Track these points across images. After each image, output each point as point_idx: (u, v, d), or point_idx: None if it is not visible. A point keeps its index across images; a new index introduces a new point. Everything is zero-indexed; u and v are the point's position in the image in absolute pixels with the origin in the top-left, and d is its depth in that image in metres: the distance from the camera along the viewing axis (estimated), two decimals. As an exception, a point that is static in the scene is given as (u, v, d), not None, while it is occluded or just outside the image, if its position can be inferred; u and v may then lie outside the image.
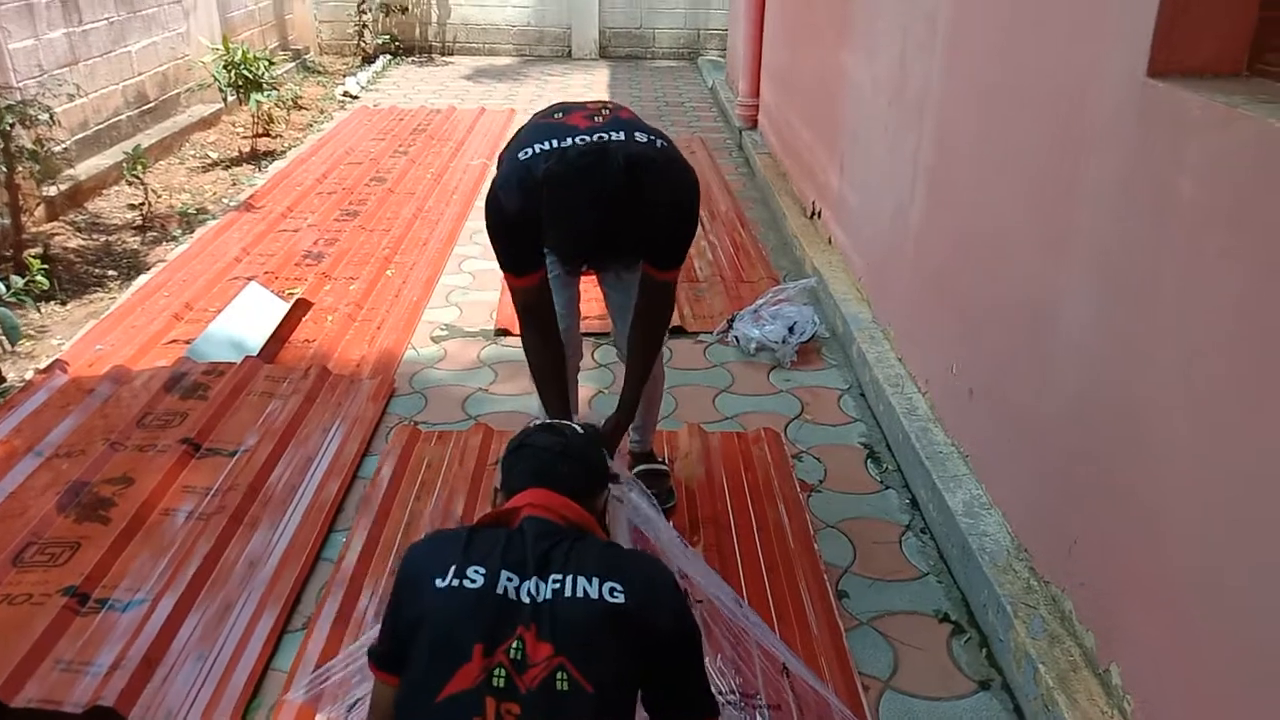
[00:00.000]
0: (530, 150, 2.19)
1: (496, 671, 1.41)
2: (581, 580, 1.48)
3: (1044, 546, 2.37)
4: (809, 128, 5.34)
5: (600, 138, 2.17)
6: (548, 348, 2.41)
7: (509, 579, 1.48)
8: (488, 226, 2.29)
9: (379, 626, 2.25)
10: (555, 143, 2.17)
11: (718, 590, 2.25)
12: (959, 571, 2.60)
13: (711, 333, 4.12)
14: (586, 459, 1.77)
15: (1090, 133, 2.14)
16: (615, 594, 1.48)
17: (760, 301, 4.10)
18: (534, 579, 1.48)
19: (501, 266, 2.32)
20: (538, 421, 1.88)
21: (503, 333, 4.13)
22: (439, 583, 1.47)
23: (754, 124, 7.14)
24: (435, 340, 4.08)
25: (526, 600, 1.46)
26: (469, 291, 4.60)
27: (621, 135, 2.20)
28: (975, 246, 2.84)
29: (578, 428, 1.85)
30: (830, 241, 4.72)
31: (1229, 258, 1.68)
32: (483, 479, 3.02)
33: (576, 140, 2.15)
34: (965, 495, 2.71)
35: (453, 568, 1.49)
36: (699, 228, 5.46)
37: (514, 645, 1.43)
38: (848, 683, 2.26)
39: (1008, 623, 2.28)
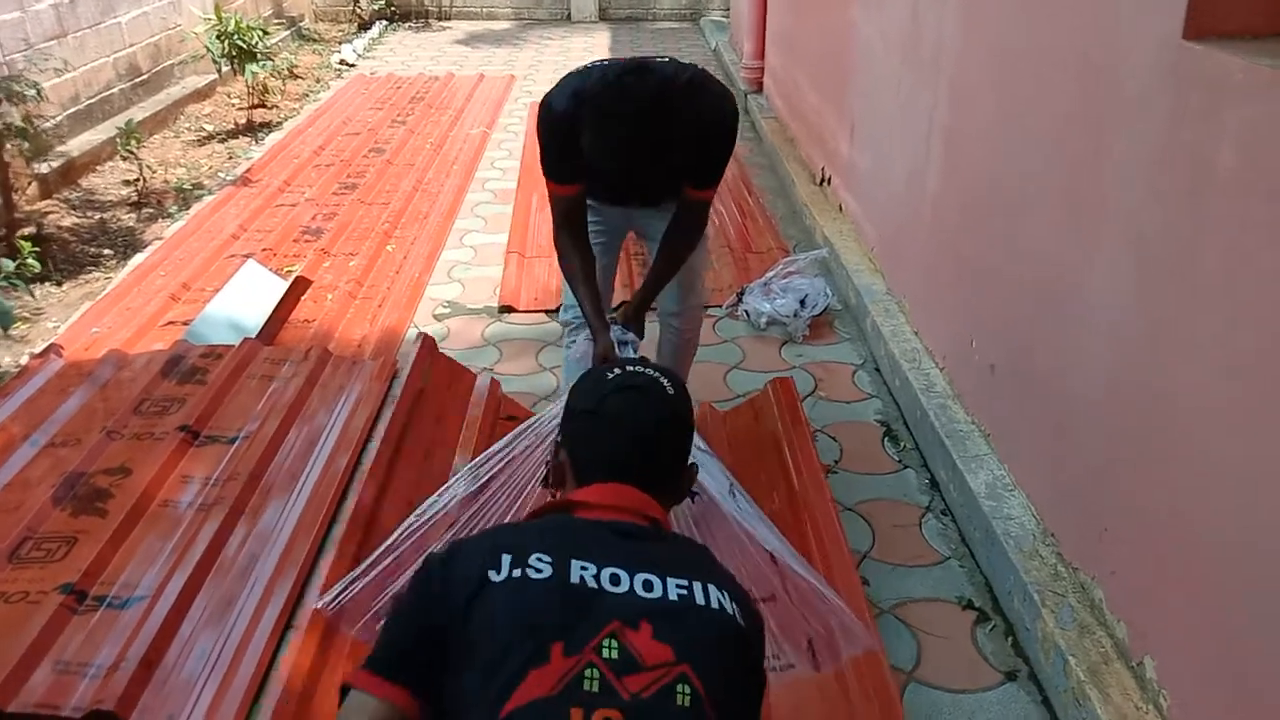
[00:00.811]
0: (587, 66, 2.35)
1: (588, 673, 1.13)
2: (714, 590, 1.24)
3: (1072, 532, 2.29)
4: (817, 91, 5.20)
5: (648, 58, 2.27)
6: (579, 250, 2.51)
7: (583, 567, 1.21)
8: (537, 130, 2.41)
9: (400, 536, 2.14)
10: (609, 60, 2.31)
11: (715, 485, 2.12)
12: (982, 556, 2.53)
13: (721, 307, 4.02)
14: (676, 440, 1.47)
15: (1121, 97, 2.03)
16: (739, 615, 1.25)
17: (770, 274, 4.00)
18: (642, 574, 1.23)
19: (545, 173, 2.45)
20: (615, 371, 1.50)
21: (506, 309, 4.04)
22: (494, 576, 1.19)
23: (759, 87, 6.99)
24: (438, 318, 3.99)
25: (620, 590, 1.20)
26: (471, 267, 4.50)
27: (665, 59, 2.32)
28: (996, 216, 2.74)
29: (665, 383, 1.48)
30: (841, 209, 4.60)
31: (1274, 231, 1.58)
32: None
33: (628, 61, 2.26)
34: (987, 476, 2.63)
35: (507, 558, 1.21)
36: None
37: (606, 642, 1.15)
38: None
39: (1035, 611, 2.20)
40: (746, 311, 3.89)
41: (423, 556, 1.30)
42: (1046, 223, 2.39)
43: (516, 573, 1.19)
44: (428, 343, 3.40)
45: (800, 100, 5.64)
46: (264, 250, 4.56)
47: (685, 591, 1.23)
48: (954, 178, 3.09)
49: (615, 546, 1.26)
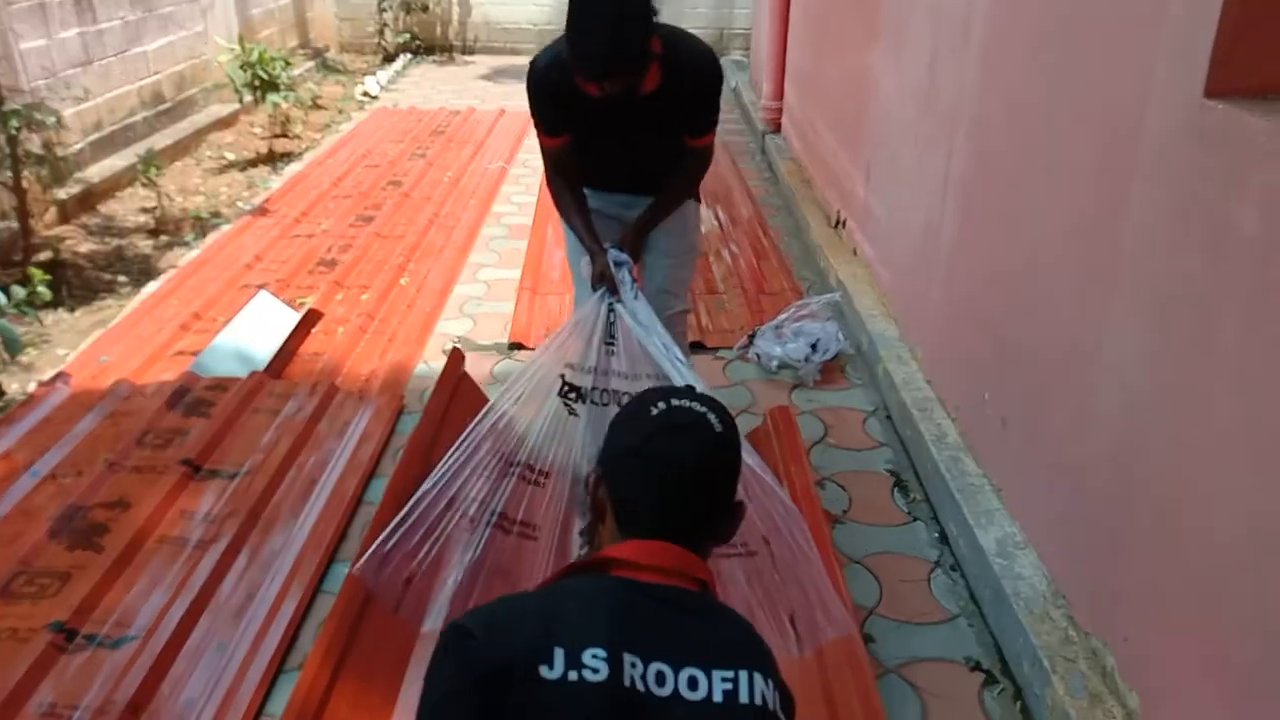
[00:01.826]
0: None
1: None
2: (759, 680, 1.17)
3: (1084, 594, 2.22)
4: (834, 134, 5.19)
5: None
6: (569, 187, 2.68)
7: (633, 664, 1.13)
8: (526, 88, 2.56)
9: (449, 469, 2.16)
10: None
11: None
12: (991, 615, 2.46)
13: (732, 348, 3.98)
14: (724, 484, 1.34)
15: (1140, 155, 1.99)
16: (779, 707, 1.18)
17: (782, 316, 3.96)
18: (688, 669, 1.15)
19: (535, 126, 2.61)
20: (660, 405, 1.36)
21: (516, 346, 4.01)
22: (546, 672, 1.10)
23: (777, 128, 6.98)
24: (447, 354, 3.96)
25: (665, 693, 1.13)
26: (483, 302, 4.48)
27: None
28: (1012, 267, 2.69)
29: (713, 419, 1.34)
30: (855, 253, 4.57)
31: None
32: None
33: None
34: (998, 533, 2.56)
35: (560, 652, 1.11)
36: (721, 230, 5.35)
37: None
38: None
39: (1044, 677, 2.13)
40: (758, 354, 3.85)
41: (445, 628, 1.19)
42: (1061, 278, 2.35)
43: (572, 675, 1.10)
44: (455, 358, 3.39)
45: (817, 142, 5.63)
46: (278, 281, 4.57)
47: (730, 687, 1.15)
48: (969, 227, 3.05)
49: (661, 629, 1.18)
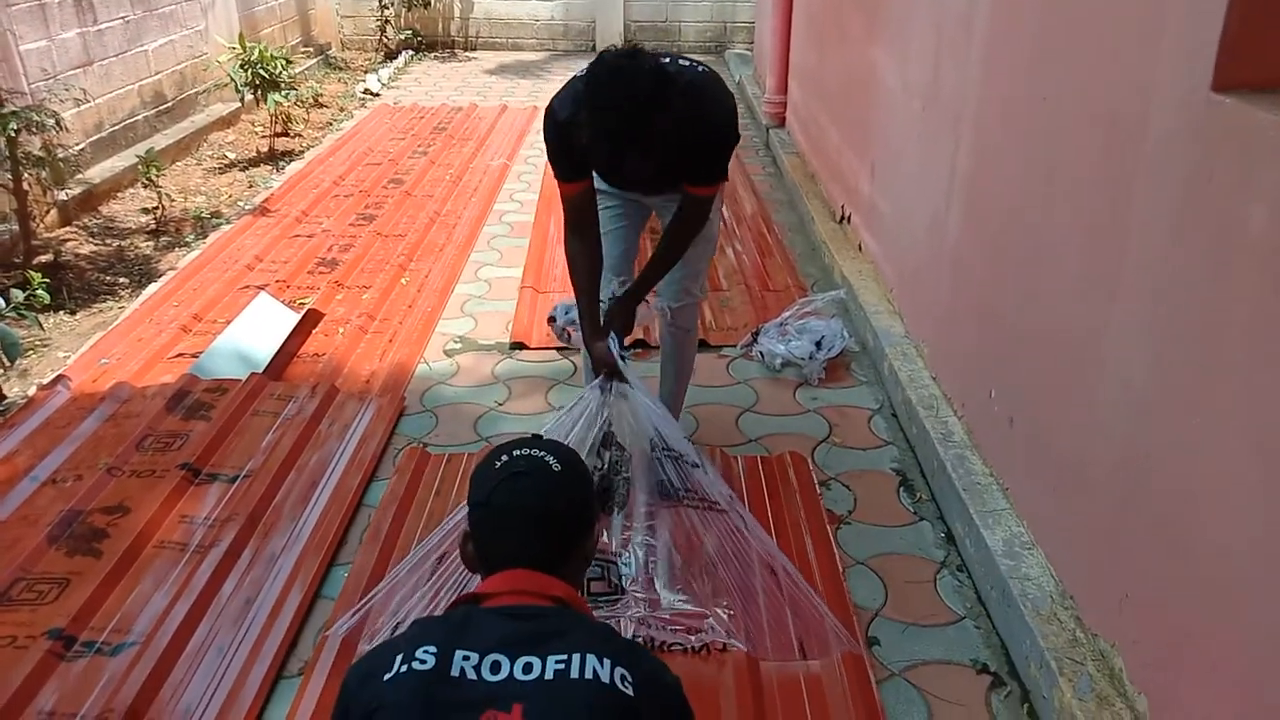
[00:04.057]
0: (585, 70, 2.30)
1: None
2: (591, 659, 1.28)
3: (1092, 596, 2.19)
4: (838, 129, 5.15)
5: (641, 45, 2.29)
6: (585, 248, 2.60)
7: (465, 657, 1.27)
8: (544, 135, 2.50)
9: (428, 545, 2.32)
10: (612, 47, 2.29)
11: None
12: (999, 617, 2.43)
13: (735, 346, 3.95)
14: (569, 516, 1.49)
15: (1145, 151, 1.95)
16: (625, 683, 1.27)
17: (786, 314, 3.93)
18: (524, 657, 1.27)
19: (554, 174, 2.55)
20: (503, 458, 1.50)
21: (518, 345, 3.98)
22: (386, 677, 1.26)
23: (782, 122, 6.94)
24: (448, 354, 3.94)
25: (499, 678, 1.25)
26: (484, 301, 4.46)
27: (667, 58, 2.39)
28: (1016, 266, 2.66)
29: (551, 461, 1.50)
30: (860, 248, 4.53)
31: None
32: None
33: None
34: (1005, 532, 2.53)
35: (399, 657, 1.28)
36: (725, 226, 5.31)
37: None
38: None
39: (1052, 680, 2.10)
40: (761, 352, 3.82)
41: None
42: (1066, 278, 2.31)
43: (404, 668, 1.26)
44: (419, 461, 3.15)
45: (821, 137, 5.59)
46: (278, 281, 4.55)
47: (562, 667, 1.27)
48: (974, 224, 3.01)
49: (506, 631, 1.31)
